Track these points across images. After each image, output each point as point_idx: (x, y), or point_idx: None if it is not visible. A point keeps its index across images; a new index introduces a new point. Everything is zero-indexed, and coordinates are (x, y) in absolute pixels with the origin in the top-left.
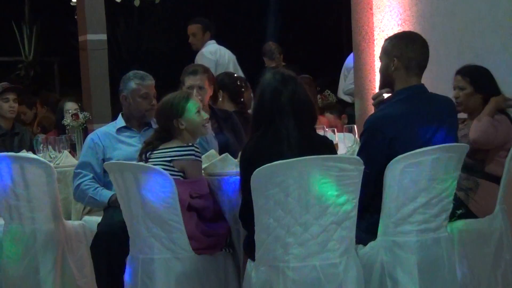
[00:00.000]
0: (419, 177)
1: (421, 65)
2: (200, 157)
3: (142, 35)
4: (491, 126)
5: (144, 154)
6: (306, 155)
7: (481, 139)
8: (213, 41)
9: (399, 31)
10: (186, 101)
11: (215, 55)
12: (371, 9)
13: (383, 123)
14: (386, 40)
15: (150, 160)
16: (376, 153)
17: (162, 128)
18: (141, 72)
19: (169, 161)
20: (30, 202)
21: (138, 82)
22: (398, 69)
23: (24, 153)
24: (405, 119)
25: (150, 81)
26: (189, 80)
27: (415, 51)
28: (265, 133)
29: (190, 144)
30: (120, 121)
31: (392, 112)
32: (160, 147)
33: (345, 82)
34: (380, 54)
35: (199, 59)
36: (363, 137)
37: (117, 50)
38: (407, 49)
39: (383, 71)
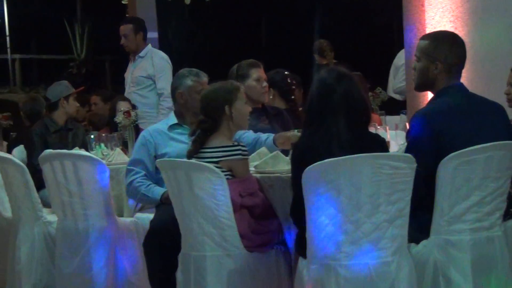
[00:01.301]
0: (472, 175)
1: (462, 67)
2: (247, 155)
3: (193, 33)
4: None
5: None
6: (357, 154)
7: None
8: (150, 44)
9: (436, 31)
10: (238, 89)
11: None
12: (422, 6)
13: (430, 118)
14: (424, 39)
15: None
16: (425, 148)
17: (209, 116)
18: (195, 69)
19: (216, 162)
20: (83, 199)
21: (194, 79)
22: (440, 72)
23: (76, 150)
24: (452, 113)
25: (205, 78)
26: (256, 72)
27: (458, 55)
28: (317, 130)
29: (236, 143)
30: (172, 118)
31: (438, 107)
32: (206, 146)
33: (395, 80)
34: (419, 53)
35: (159, 63)
36: (411, 133)
37: (168, 48)
38: (451, 53)
39: (423, 73)
